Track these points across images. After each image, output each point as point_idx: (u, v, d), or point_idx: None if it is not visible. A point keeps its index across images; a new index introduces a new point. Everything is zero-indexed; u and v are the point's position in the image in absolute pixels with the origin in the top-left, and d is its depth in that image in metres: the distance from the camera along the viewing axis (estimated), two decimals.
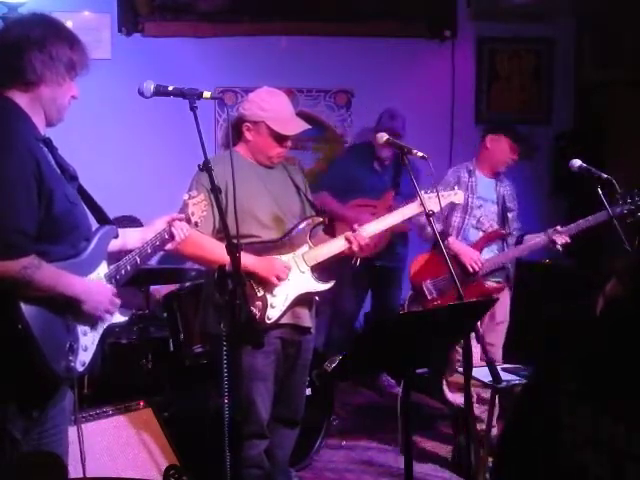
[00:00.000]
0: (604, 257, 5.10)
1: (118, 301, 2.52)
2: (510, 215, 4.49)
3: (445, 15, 6.28)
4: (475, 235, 4.41)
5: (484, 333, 4.34)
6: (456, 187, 3.89)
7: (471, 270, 4.25)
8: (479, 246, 4.35)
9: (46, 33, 2.41)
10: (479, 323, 4.29)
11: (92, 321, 2.47)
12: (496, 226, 4.44)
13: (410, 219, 3.90)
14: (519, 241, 4.44)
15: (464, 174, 4.43)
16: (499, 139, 4.45)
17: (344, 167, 5.59)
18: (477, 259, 4.26)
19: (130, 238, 2.75)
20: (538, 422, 1.76)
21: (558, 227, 4.25)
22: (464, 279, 4.14)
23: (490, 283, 4.38)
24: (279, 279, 3.37)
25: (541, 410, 1.77)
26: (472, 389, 4.15)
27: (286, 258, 3.47)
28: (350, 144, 6.15)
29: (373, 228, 3.60)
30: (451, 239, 4.29)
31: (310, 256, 3.49)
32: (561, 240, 4.22)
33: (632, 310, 1.73)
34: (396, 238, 5.41)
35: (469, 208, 4.40)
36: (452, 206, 4.22)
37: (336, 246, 3.52)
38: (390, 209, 5.15)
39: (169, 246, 2.81)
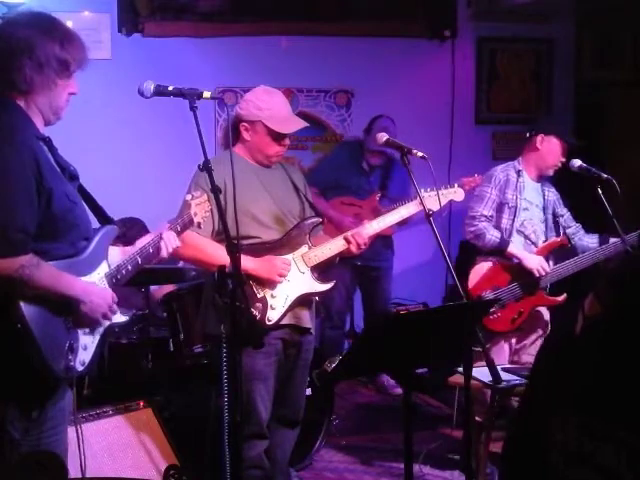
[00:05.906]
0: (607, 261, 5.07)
1: (116, 308, 2.51)
2: (562, 220, 4.31)
3: (445, 15, 6.28)
4: (517, 240, 4.18)
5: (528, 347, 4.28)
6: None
7: (537, 275, 4.08)
8: (541, 253, 4.17)
9: (34, 35, 2.36)
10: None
11: (89, 324, 2.45)
12: (540, 233, 4.24)
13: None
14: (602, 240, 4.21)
15: (512, 173, 4.19)
16: (550, 140, 4.20)
17: (333, 164, 5.59)
18: (543, 263, 4.09)
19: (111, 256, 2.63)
20: (529, 441, 1.76)
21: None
22: (526, 290, 4.10)
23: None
24: (282, 276, 3.38)
25: (531, 429, 1.76)
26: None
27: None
28: (341, 141, 6.13)
29: (372, 228, 3.59)
30: (511, 246, 4.10)
31: (309, 256, 3.48)
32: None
33: (611, 329, 1.71)
34: (377, 240, 5.33)
35: (517, 210, 4.18)
36: (500, 207, 4.14)
37: (335, 246, 3.51)
38: (375, 210, 5.17)
39: (163, 253, 2.70)
